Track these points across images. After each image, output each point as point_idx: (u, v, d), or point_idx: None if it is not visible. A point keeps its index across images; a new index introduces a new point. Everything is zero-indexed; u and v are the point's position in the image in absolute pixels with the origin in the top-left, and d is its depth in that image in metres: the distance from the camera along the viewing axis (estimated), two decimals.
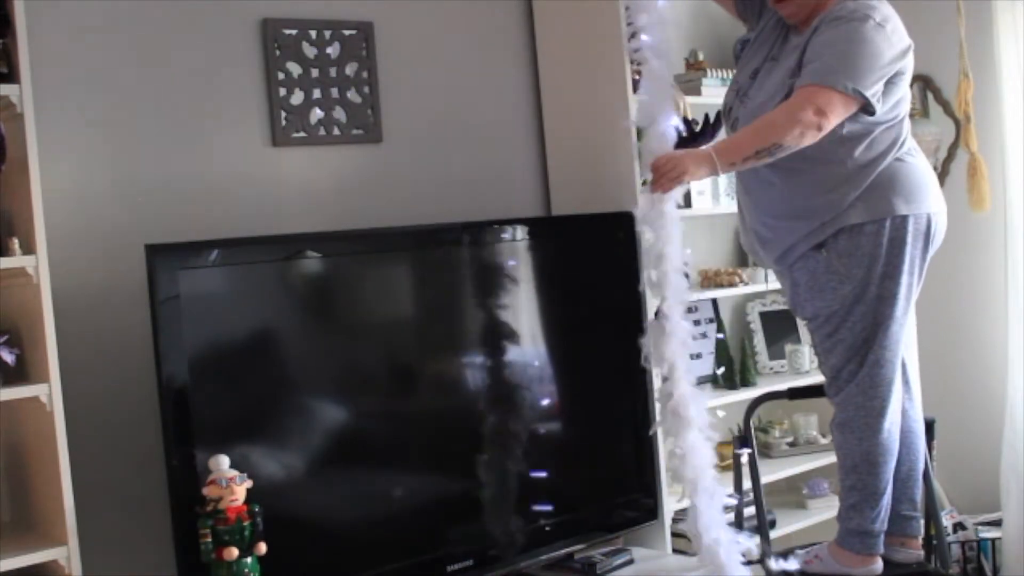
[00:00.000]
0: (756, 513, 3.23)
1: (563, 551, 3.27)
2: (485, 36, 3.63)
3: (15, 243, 2.45)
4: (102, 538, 2.69)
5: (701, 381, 3.88)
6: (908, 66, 2.77)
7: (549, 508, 3.23)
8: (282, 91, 3.17)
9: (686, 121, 3.45)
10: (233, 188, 3.08)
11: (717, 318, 4.01)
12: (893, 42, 2.70)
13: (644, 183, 2.93)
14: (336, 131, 3.27)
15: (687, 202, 3.71)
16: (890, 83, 2.73)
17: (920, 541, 2.99)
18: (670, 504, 3.48)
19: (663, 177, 2.72)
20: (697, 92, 3.74)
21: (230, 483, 2.50)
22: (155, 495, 2.69)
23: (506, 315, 3.23)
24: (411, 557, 2.94)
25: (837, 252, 2.78)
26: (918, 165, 2.83)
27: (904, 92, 2.80)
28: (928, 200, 2.80)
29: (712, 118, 3.48)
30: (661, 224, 2.81)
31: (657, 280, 2.84)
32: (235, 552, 2.48)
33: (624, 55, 3.39)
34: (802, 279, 2.85)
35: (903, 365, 2.91)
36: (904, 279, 2.77)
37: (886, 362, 2.79)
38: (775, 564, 2.98)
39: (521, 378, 3.24)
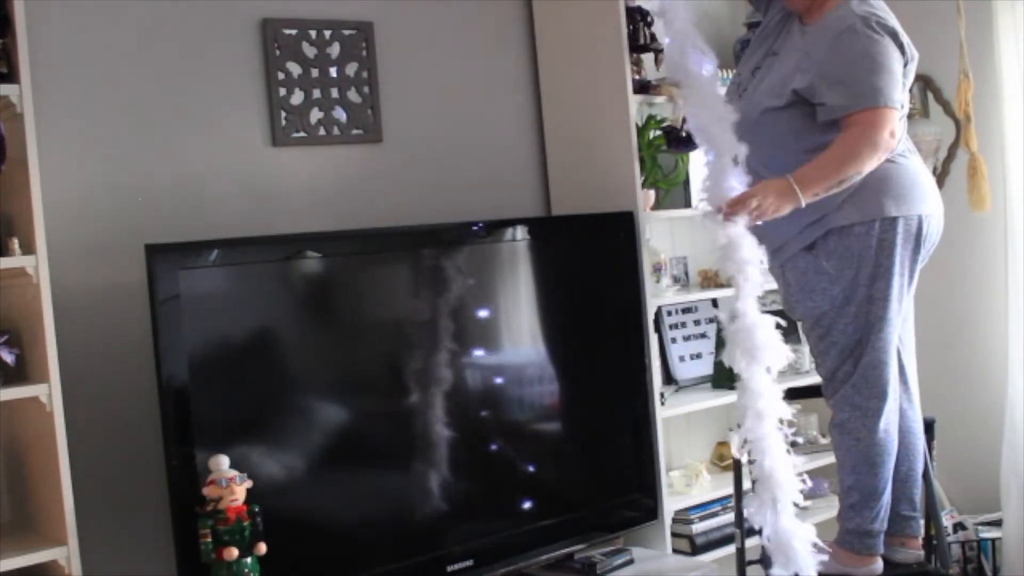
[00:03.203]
0: None
1: (563, 551, 3.27)
2: (485, 36, 3.63)
3: (15, 243, 2.46)
4: (102, 538, 2.69)
5: (700, 381, 3.88)
6: (909, 75, 2.77)
7: (549, 508, 3.23)
8: (282, 91, 3.17)
9: (684, 123, 3.43)
10: (233, 188, 3.09)
11: (717, 318, 4.00)
12: (903, 54, 2.71)
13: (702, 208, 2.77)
14: (336, 131, 3.27)
15: (688, 203, 3.72)
16: None
17: (920, 541, 2.98)
18: (670, 504, 3.48)
19: (750, 212, 2.64)
20: None
21: (230, 483, 2.50)
22: (155, 495, 2.70)
23: (506, 315, 3.23)
24: (411, 557, 2.94)
25: (826, 253, 2.78)
26: (910, 166, 2.81)
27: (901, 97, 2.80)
28: (919, 202, 2.78)
29: None
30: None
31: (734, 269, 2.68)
32: (235, 552, 2.49)
33: (624, 55, 3.40)
34: (793, 280, 2.85)
35: (902, 366, 2.90)
36: (895, 280, 2.76)
37: (880, 363, 2.79)
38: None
39: (521, 378, 3.24)
